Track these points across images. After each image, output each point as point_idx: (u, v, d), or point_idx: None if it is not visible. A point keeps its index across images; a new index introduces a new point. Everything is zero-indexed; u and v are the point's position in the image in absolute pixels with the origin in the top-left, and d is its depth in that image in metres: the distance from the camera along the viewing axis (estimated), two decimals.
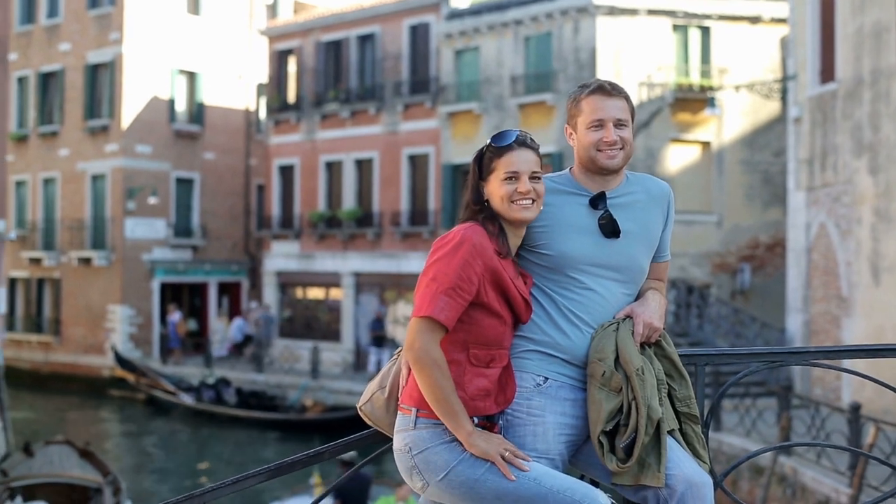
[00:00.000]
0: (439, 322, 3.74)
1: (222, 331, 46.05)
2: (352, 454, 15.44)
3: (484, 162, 3.96)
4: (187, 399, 38.04)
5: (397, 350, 4.11)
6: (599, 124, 4.03)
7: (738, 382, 21.37)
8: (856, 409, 17.51)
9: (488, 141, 3.98)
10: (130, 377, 41.69)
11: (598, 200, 4.03)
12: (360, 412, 4.14)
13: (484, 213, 3.93)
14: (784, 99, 31.96)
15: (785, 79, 30.67)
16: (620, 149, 4.03)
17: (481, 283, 3.79)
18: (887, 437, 16.63)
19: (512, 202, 3.88)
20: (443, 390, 3.72)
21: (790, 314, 28.54)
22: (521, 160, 3.91)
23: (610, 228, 3.99)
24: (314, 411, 35.16)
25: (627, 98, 4.07)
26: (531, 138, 3.98)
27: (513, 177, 3.89)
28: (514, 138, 3.93)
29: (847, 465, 17.17)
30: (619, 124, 4.03)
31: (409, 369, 3.86)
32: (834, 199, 25.91)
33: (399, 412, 3.92)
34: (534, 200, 3.91)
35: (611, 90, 4.05)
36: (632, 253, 4.03)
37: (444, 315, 3.73)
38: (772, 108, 35.06)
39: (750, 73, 34.86)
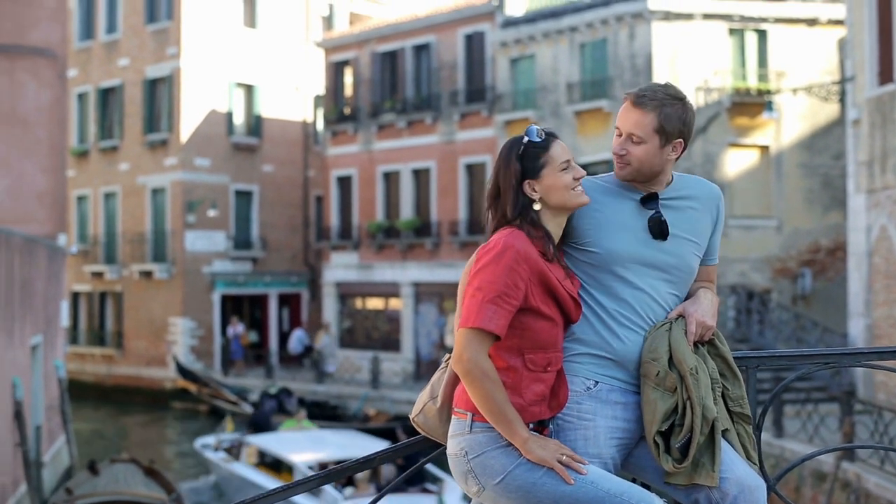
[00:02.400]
0: (488, 332, 3.70)
1: (328, 344, 44.94)
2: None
3: (528, 161, 3.89)
4: (249, 409, 38.18)
5: (445, 358, 4.09)
6: (618, 133, 4.02)
7: (799, 388, 21.26)
8: None
9: (523, 139, 3.91)
10: (192, 387, 41.94)
11: (648, 200, 4.01)
12: (413, 424, 4.14)
13: (529, 219, 3.87)
14: (842, 101, 31.69)
15: (843, 81, 30.41)
16: (628, 164, 3.99)
17: (528, 287, 3.75)
18: None
19: (573, 189, 3.88)
20: (495, 400, 3.70)
21: (852, 318, 28.27)
22: (565, 149, 3.92)
23: (658, 229, 3.96)
24: (377, 420, 35.18)
25: (660, 111, 3.95)
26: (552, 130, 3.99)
27: (567, 165, 3.88)
28: (545, 132, 3.93)
29: None
30: (631, 138, 3.97)
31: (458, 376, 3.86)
32: (895, 202, 25.66)
33: (454, 416, 3.90)
34: (580, 185, 3.93)
35: (635, 99, 3.99)
36: (681, 253, 3.99)
37: (494, 324, 3.69)
38: (830, 110, 34.79)
39: (807, 76, 34.61)
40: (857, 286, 27.76)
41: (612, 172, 4.11)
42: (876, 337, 26.73)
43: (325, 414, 37.21)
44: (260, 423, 30.92)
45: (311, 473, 19.01)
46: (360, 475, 22.43)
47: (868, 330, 27.14)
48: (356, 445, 25.17)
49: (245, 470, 25.86)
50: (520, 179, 3.89)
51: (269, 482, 24.02)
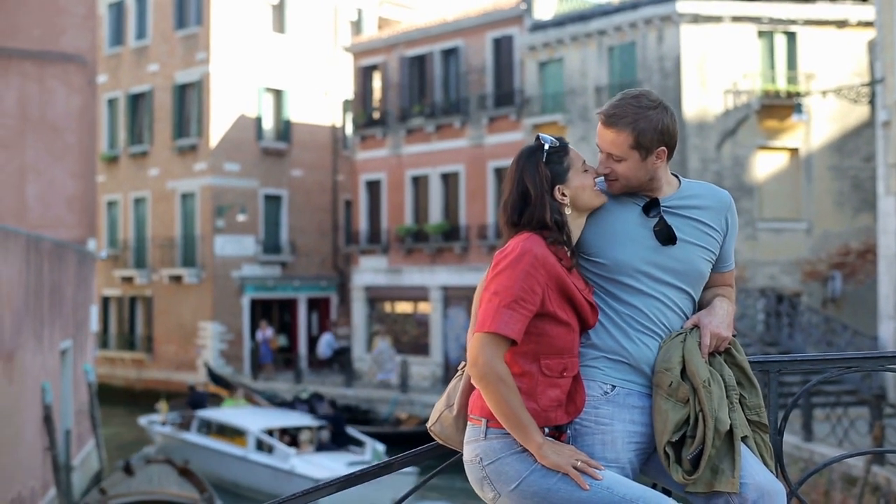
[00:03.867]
0: (505, 337, 3.69)
1: (385, 349, 44.65)
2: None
3: (553, 166, 3.88)
4: None
5: (461, 365, 4.06)
6: (600, 150, 4.00)
7: (828, 392, 21.16)
8: None
9: (545, 146, 3.89)
10: (224, 393, 41.99)
11: (651, 207, 3.99)
12: (430, 432, 4.12)
13: (555, 229, 3.84)
14: (872, 103, 31.53)
15: (873, 82, 30.26)
16: (615, 180, 3.97)
17: (545, 292, 3.73)
18: None
19: (595, 188, 3.89)
20: (510, 405, 3.68)
21: (882, 321, 28.13)
22: (578, 152, 3.95)
23: (665, 234, 3.92)
24: (409, 424, 35.15)
25: (633, 127, 3.90)
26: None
27: (586, 167, 3.90)
28: (557, 139, 3.93)
29: None
30: (611, 157, 3.95)
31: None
32: None
33: (469, 423, 3.88)
34: None
35: (605, 120, 3.96)
36: (689, 258, 3.96)
37: (510, 329, 3.67)
38: (860, 112, 34.64)
39: (837, 78, 34.47)
40: (888, 289, 27.61)
41: None
42: None
43: (355, 418, 37.16)
44: (197, 403, 35.08)
45: (263, 436, 27.07)
46: (304, 437, 28.70)
47: None
48: (290, 416, 31.48)
49: (197, 438, 30.47)
50: (551, 186, 3.87)
51: (221, 445, 29.50)
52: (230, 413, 32.21)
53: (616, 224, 3.96)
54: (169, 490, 21.44)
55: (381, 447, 28.45)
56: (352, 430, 30.17)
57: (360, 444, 29.14)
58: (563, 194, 3.86)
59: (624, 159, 3.92)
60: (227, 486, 27.76)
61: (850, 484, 19.81)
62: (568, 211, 3.86)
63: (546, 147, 3.90)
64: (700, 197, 4.07)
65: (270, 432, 28.94)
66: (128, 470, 22.47)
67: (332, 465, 26.61)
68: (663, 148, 3.96)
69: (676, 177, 4.10)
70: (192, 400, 35.91)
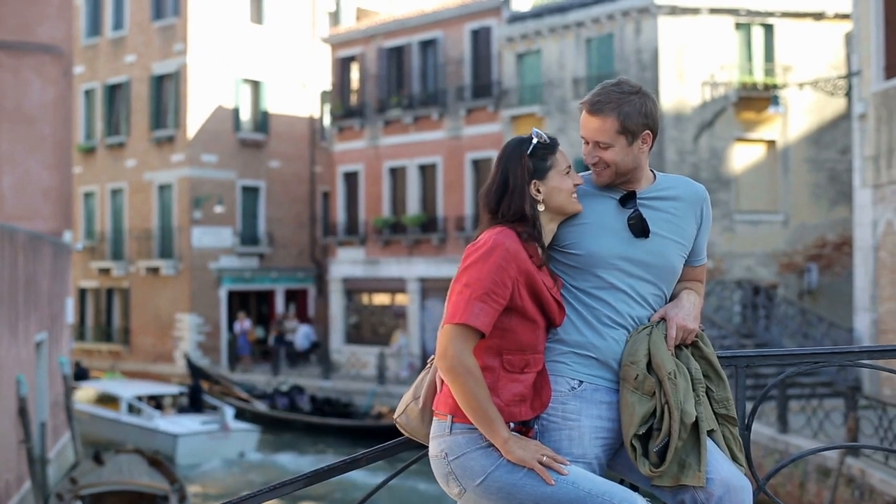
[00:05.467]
0: (474, 329, 3.68)
1: (406, 345, 45.10)
2: None
3: (536, 161, 3.88)
4: (261, 406, 38.22)
5: (430, 358, 4.06)
6: (585, 142, 4.01)
7: (804, 383, 21.21)
8: None
9: (532, 140, 3.90)
10: (203, 385, 41.96)
11: (627, 200, 3.98)
12: (396, 424, 4.12)
13: (528, 223, 3.84)
14: (849, 95, 31.60)
15: (849, 75, 30.33)
16: (605, 168, 3.98)
17: (515, 287, 3.74)
18: None
19: (572, 195, 3.88)
20: (477, 399, 3.67)
21: (858, 314, 28.22)
22: (566, 157, 3.94)
23: (639, 228, 3.93)
24: (390, 417, 35.11)
25: (618, 112, 3.93)
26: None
27: (569, 170, 3.90)
28: (549, 138, 3.93)
29: None
30: (598, 145, 3.97)
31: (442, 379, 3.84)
32: None
33: (434, 418, 3.88)
34: None
35: (590, 108, 3.98)
36: (663, 252, 3.96)
37: (480, 321, 3.67)
38: (837, 104, 34.74)
39: (814, 70, 34.58)
40: (863, 281, 27.70)
41: (591, 172, 4.08)
42: (881, 332, 26.68)
43: (335, 411, 37.17)
44: (81, 376, 40.20)
45: (133, 402, 33.76)
46: (167, 402, 34.64)
47: (874, 325, 27.09)
48: (156, 386, 37.46)
49: (80, 404, 34.08)
50: (529, 178, 3.87)
51: (99, 410, 34.96)
52: (107, 384, 38.34)
53: (592, 216, 3.97)
54: (139, 480, 21.41)
55: (230, 411, 33.51)
56: (207, 398, 35.61)
57: (214, 408, 34.30)
58: (538, 190, 3.87)
59: (611, 146, 3.94)
60: (105, 444, 30.82)
61: (824, 476, 19.88)
62: (541, 208, 3.86)
63: (534, 140, 3.90)
64: (676, 190, 4.08)
65: (140, 398, 34.29)
66: (98, 460, 22.46)
67: (189, 424, 32.21)
68: (648, 132, 3.98)
69: (652, 171, 4.10)
70: (77, 373, 39.18)
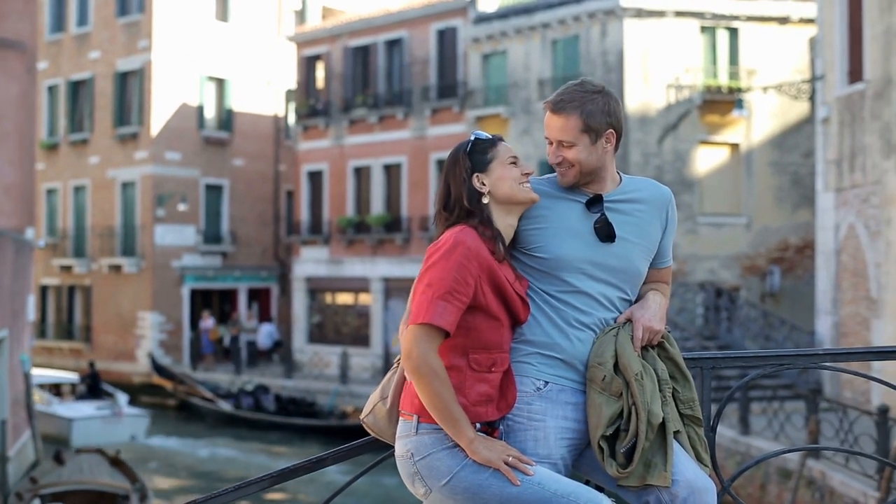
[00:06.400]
0: (438, 328, 3.68)
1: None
2: None
3: (476, 155, 3.91)
4: (226, 406, 38.15)
5: (396, 358, 4.06)
6: (549, 142, 4.02)
7: (765, 385, 21.28)
8: (884, 411, 17.42)
9: (471, 138, 3.95)
10: (168, 384, 41.88)
11: (594, 203, 3.99)
12: (363, 424, 4.11)
13: (475, 217, 3.87)
14: (812, 100, 31.81)
15: (813, 79, 30.50)
16: (570, 167, 3.99)
17: (478, 285, 3.74)
18: None
19: (520, 183, 3.88)
20: (443, 399, 3.67)
21: (819, 316, 28.38)
22: (511, 149, 3.93)
23: (605, 232, 3.94)
24: (354, 417, 35.07)
25: (581, 111, 3.96)
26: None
27: (515, 161, 3.90)
28: (490, 135, 3.94)
29: (875, 468, 17.04)
30: (562, 144, 3.98)
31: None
32: (863, 200, 25.75)
33: (400, 418, 3.88)
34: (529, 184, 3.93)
35: (553, 107, 4.01)
36: (628, 256, 3.97)
37: (444, 320, 3.67)
38: (801, 108, 34.93)
39: (778, 74, 34.74)
40: (825, 284, 27.86)
41: (556, 174, 4.08)
42: (842, 335, 26.84)
43: (300, 411, 37.15)
44: None
45: (36, 389, 33.16)
46: (66, 389, 36.85)
47: (835, 328, 27.25)
48: (56, 375, 38.44)
49: None
50: (469, 173, 3.89)
51: None
52: None
53: (558, 219, 3.97)
54: (100, 480, 21.30)
55: (124, 398, 35.84)
56: (105, 386, 37.77)
57: (110, 395, 36.41)
58: (483, 183, 3.88)
59: (574, 144, 3.95)
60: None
61: (785, 477, 19.99)
62: (486, 200, 3.88)
63: (472, 138, 3.94)
64: (642, 193, 4.09)
65: (42, 386, 35.76)
66: (58, 459, 22.35)
67: (84, 409, 34.66)
68: (612, 131, 3.99)
69: (619, 173, 4.11)
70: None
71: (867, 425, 19.05)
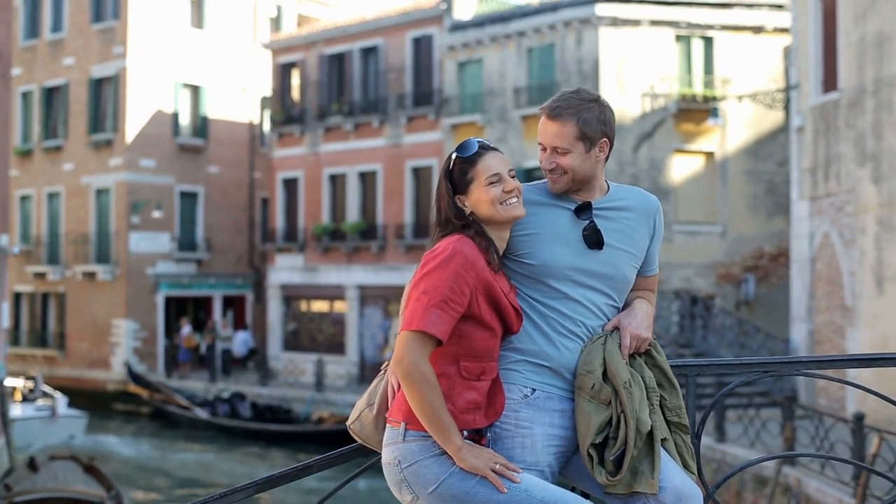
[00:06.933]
0: (431, 336, 3.68)
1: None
2: None
3: (456, 176, 3.91)
4: (202, 414, 38.06)
5: (384, 365, 4.05)
6: (542, 148, 4.03)
7: (741, 393, 21.34)
8: (859, 419, 17.48)
9: (453, 155, 3.94)
10: (144, 392, 41.73)
11: (583, 210, 4.00)
12: (350, 431, 4.10)
13: (471, 228, 3.87)
14: (787, 108, 31.94)
15: (788, 88, 30.65)
16: (562, 174, 4.00)
17: (473, 295, 3.74)
18: (891, 447, 16.56)
19: (502, 203, 3.85)
20: (432, 406, 3.67)
21: (794, 324, 28.49)
22: (496, 162, 3.89)
23: (594, 239, 3.95)
24: (330, 422, 35.06)
25: (577, 118, 3.97)
26: (490, 142, 3.97)
27: (496, 179, 3.87)
28: (477, 145, 3.91)
29: (851, 475, 17.12)
30: (556, 150, 3.99)
31: (398, 382, 3.83)
32: (837, 209, 25.88)
33: (388, 425, 3.87)
34: (517, 197, 3.89)
35: (550, 113, 4.01)
36: (616, 263, 3.99)
37: (438, 328, 3.67)
38: (775, 117, 35.06)
39: (753, 83, 34.86)
40: (800, 292, 27.97)
41: (545, 181, 4.09)
42: (817, 343, 26.96)
43: (277, 417, 37.10)
44: None
45: None
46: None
47: (810, 336, 27.36)
48: None
49: None
50: (451, 195, 3.91)
51: None
52: None
53: (547, 226, 3.98)
54: (75, 487, 21.19)
55: (63, 399, 36.87)
56: (44, 387, 38.02)
57: (52, 397, 36.89)
58: (465, 204, 3.90)
59: (569, 151, 3.96)
60: None
61: (761, 484, 20.04)
62: (472, 218, 3.89)
63: (454, 156, 3.93)
64: (630, 201, 4.11)
65: None
66: (32, 466, 22.23)
67: (23, 410, 34.95)
68: (606, 140, 4.01)
69: (606, 182, 4.13)
70: None
71: (842, 432, 19.12)
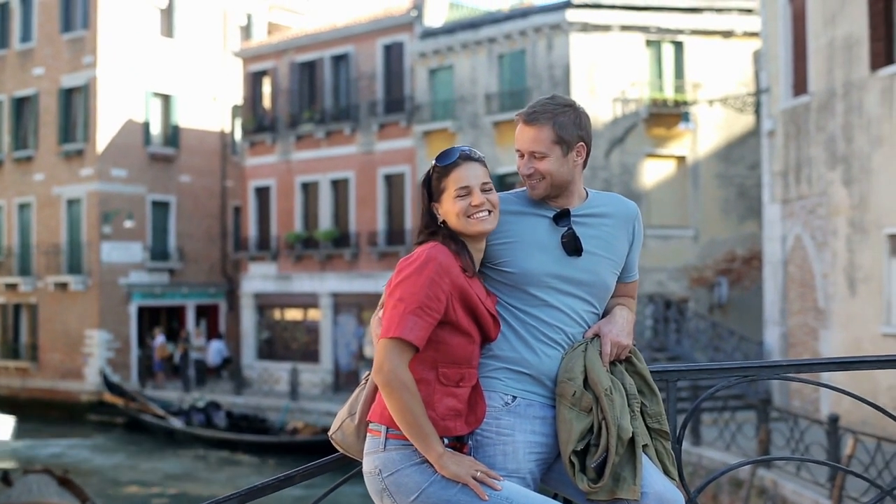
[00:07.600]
0: (409, 343, 3.69)
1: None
2: None
3: (432, 184, 3.93)
4: (177, 423, 37.90)
5: (365, 375, 4.05)
6: (520, 154, 4.04)
7: (716, 396, 21.39)
8: (834, 420, 17.55)
9: (433, 162, 3.95)
10: (119, 402, 41.54)
11: (561, 217, 4.00)
12: (331, 440, 4.10)
13: (442, 233, 3.89)
14: (758, 112, 32.06)
15: (758, 92, 30.77)
16: (541, 179, 4.01)
17: (449, 301, 3.75)
18: (866, 448, 16.66)
19: (468, 216, 3.85)
20: (413, 413, 3.68)
21: (768, 327, 28.59)
22: (470, 174, 3.89)
23: (573, 246, 3.96)
24: (305, 433, 34.96)
25: (553, 122, 3.99)
26: (476, 151, 3.96)
27: (465, 192, 3.87)
28: (458, 154, 3.91)
29: (827, 476, 17.18)
30: (533, 156, 4.00)
31: (377, 390, 3.83)
32: (809, 212, 25.99)
33: (368, 434, 3.87)
34: (490, 211, 3.89)
35: (526, 118, 4.03)
36: (596, 270, 3.99)
37: (414, 335, 3.68)
38: (746, 121, 35.17)
39: (723, 88, 34.96)
40: (773, 295, 28.08)
41: (525, 188, 4.09)
42: (791, 345, 27.05)
43: (252, 427, 36.97)
44: None
45: None
46: None
47: (783, 338, 27.46)
48: None
49: None
50: (428, 202, 3.96)
51: None
52: None
53: (525, 234, 3.99)
54: (49, 500, 21.08)
55: (9, 418, 38.73)
56: None
57: None
58: (438, 212, 3.93)
59: (546, 155, 3.98)
60: None
61: (737, 487, 20.09)
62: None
63: (433, 163, 3.96)
64: (608, 208, 4.13)
65: None
66: (6, 480, 22.09)
67: None
68: (582, 144, 4.04)
69: (585, 189, 4.14)
70: None
71: (817, 434, 19.21)
